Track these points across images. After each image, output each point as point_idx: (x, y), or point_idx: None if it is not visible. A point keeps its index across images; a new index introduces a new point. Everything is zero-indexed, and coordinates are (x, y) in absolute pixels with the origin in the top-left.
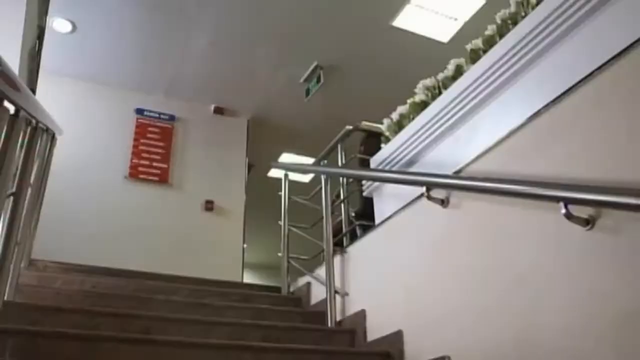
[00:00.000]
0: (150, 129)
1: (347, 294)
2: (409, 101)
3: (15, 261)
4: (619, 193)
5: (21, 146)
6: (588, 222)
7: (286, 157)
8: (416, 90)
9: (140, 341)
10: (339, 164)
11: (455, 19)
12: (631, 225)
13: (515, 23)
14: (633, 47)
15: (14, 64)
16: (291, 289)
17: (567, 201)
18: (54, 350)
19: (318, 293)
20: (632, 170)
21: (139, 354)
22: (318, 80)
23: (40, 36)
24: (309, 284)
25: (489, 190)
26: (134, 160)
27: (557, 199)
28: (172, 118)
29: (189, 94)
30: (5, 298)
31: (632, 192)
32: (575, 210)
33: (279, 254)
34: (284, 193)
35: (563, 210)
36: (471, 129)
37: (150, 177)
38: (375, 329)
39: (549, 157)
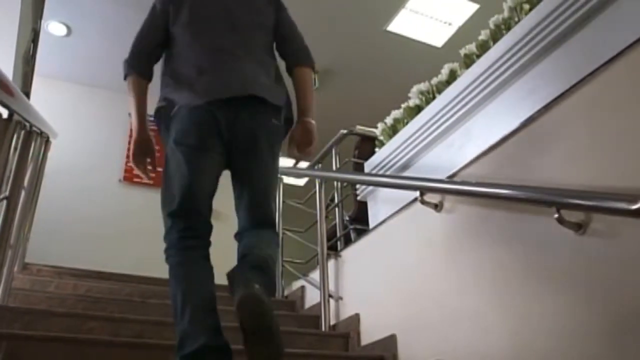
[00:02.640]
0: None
1: (341, 298)
2: (403, 105)
3: (8, 265)
4: (609, 198)
5: (15, 149)
6: (580, 227)
7: (281, 161)
8: (410, 95)
9: (133, 345)
10: (334, 167)
11: (450, 24)
12: (622, 230)
13: (508, 28)
14: (624, 54)
15: (8, 68)
16: (285, 293)
17: (560, 206)
18: (46, 355)
19: (312, 297)
20: (624, 176)
21: (132, 358)
22: (313, 85)
23: (34, 39)
24: (303, 288)
25: (482, 194)
26: (128, 164)
27: (549, 204)
28: None
29: None
30: None
31: (623, 198)
32: (568, 214)
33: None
34: (278, 197)
35: (555, 215)
36: (465, 133)
37: (145, 181)
38: (369, 333)
39: (541, 162)
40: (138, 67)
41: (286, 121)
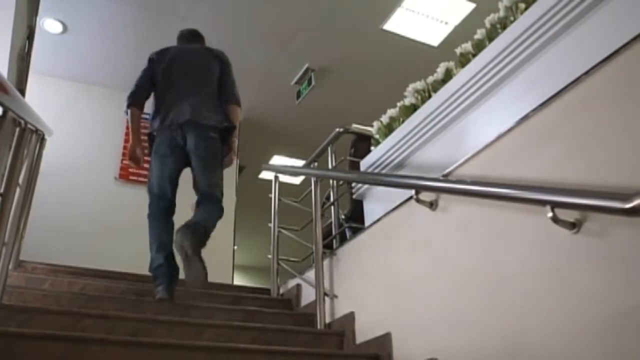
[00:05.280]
0: (141, 130)
1: (336, 296)
2: (398, 104)
3: (2, 262)
4: (604, 197)
5: (9, 147)
6: (574, 226)
7: (277, 160)
8: (406, 94)
9: (128, 343)
10: (330, 166)
11: (446, 23)
12: (616, 229)
13: (504, 27)
14: (620, 53)
15: (3, 65)
16: (281, 291)
17: (554, 204)
18: (41, 353)
19: (307, 295)
20: (619, 175)
21: (127, 356)
22: (309, 83)
23: (30, 37)
24: (298, 286)
25: (477, 193)
26: (124, 162)
27: (543, 203)
28: None
29: None
30: None
31: (617, 196)
32: (562, 213)
33: (269, 256)
34: (274, 195)
35: (550, 214)
36: (460, 132)
37: (141, 179)
38: (364, 332)
39: (536, 160)
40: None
41: (225, 133)
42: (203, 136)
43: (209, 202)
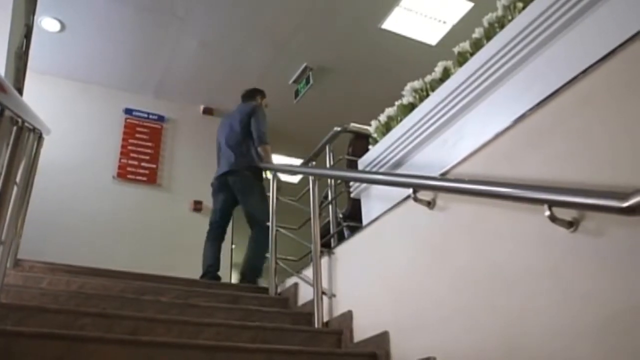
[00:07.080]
0: (139, 129)
1: (334, 295)
2: (396, 103)
3: (0, 261)
4: (601, 196)
5: (7, 146)
6: (572, 224)
7: (275, 158)
8: (404, 93)
9: (126, 342)
10: (327, 165)
11: (444, 22)
12: (613, 228)
13: (502, 27)
14: (617, 52)
15: (1, 64)
16: (279, 290)
17: (551, 203)
18: (39, 351)
19: (305, 294)
20: (616, 174)
21: (125, 355)
22: (307, 82)
23: (27, 35)
24: (296, 285)
25: (475, 192)
26: (122, 161)
27: (541, 202)
28: (161, 118)
29: (178, 95)
30: None
31: (614, 195)
32: (560, 212)
33: (267, 255)
34: (272, 194)
35: (547, 213)
36: (458, 131)
37: (139, 178)
38: (362, 330)
39: (534, 159)
40: None
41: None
42: (238, 177)
43: (253, 229)
